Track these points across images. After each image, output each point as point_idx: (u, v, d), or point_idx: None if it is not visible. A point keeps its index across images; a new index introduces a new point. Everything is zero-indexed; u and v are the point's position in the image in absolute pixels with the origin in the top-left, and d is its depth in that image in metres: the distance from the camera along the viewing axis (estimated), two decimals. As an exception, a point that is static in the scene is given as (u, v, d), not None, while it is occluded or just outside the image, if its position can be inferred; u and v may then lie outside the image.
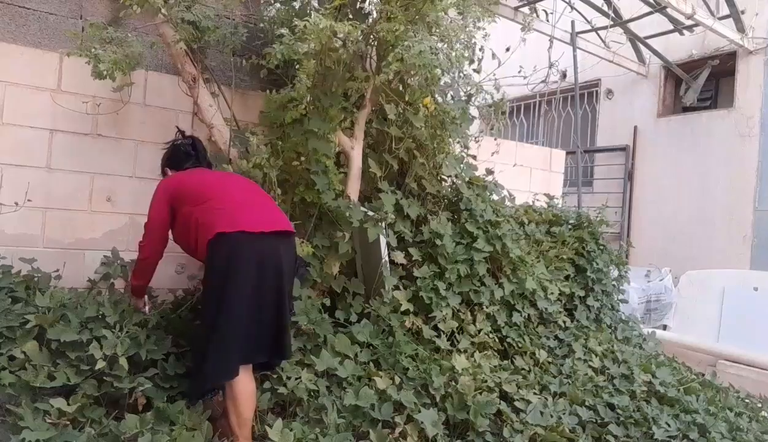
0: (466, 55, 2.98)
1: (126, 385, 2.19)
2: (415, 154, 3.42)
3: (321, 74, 2.98)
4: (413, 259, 3.25)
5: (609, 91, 8.11)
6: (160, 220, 2.36)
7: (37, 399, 2.08)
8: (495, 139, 3.94)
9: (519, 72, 3.86)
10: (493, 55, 3.51)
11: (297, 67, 3.07)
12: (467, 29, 2.90)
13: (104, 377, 2.21)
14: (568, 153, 6.13)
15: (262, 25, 3.33)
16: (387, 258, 3.10)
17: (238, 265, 2.12)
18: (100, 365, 2.15)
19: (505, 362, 3.19)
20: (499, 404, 2.64)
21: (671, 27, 6.76)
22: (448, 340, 3.11)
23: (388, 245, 3.13)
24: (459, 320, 3.24)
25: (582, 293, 4.04)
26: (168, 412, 2.10)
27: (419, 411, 2.44)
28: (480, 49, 3.30)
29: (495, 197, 3.79)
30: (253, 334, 2.16)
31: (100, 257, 2.96)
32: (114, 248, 2.99)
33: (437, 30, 2.79)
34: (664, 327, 5.53)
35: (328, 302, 2.98)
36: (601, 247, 4.28)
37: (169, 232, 2.40)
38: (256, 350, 2.21)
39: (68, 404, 2.05)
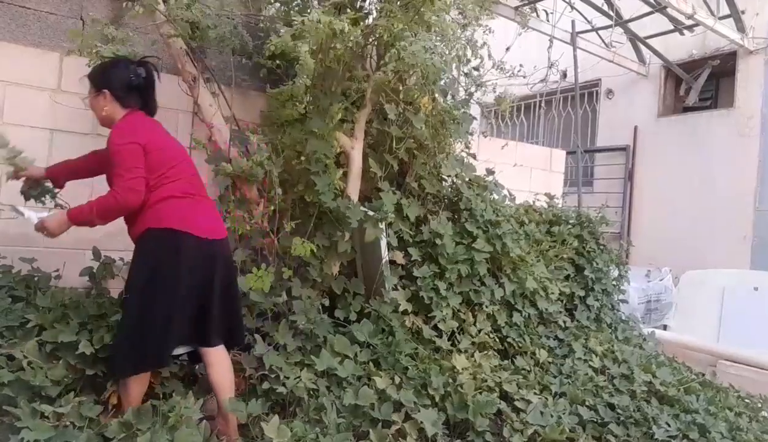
0: (468, 54, 2.97)
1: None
2: (416, 154, 3.41)
3: (320, 74, 2.98)
4: (413, 259, 3.25)
5: (609, 91, 8.10)
6: (140, 172, 2.07)
7: (35, 399, 2.08)
8: (501, 138, 3.94)
9: (519, 71, 3.85)
10: (489, 56, 3.50)
11: (296, 65, 3.06)
12: (467, 29, 2.90)
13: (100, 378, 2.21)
14: (568, 153, 6.12)
15: (261, 24, 3.33)
16: (387, 258, 3.10)
17: (183, 263, 2.11)
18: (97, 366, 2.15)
19: (506, 361, 3.19)
20: (499, 403, 2.65)
21: (671, 27, 6.75)
22: (448, 340, 3.11)
23: (389, 244, 3.13)
24: (459, 320, 3.24)
25: (582, 293, 4.04)
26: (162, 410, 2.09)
27: (419, 411, 2.44)
28: (482, 46, 3.29)
29: (495, 197, 3.79)
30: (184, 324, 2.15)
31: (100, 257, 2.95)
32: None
33: (436, 29, 2.79)
34: (664, 327, 5.52)
35: (327, 301, 2.98)
36: (601, 246, 4.28)
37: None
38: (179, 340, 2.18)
39: (67, 404, 2.05)
